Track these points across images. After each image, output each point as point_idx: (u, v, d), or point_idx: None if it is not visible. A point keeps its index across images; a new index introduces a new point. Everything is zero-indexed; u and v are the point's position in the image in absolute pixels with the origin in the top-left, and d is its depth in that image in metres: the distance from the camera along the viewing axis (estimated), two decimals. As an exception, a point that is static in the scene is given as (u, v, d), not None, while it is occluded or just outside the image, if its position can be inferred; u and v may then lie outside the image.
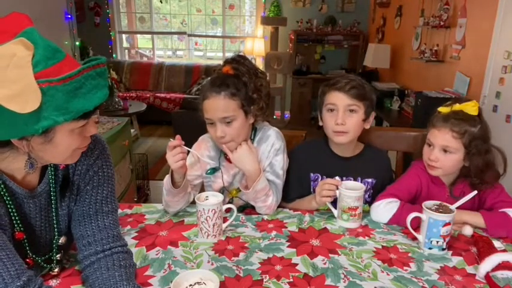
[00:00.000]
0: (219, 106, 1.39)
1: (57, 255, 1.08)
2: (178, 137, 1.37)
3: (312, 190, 1.61)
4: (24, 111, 0.75)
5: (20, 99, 0.75)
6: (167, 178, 1.42)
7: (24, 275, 0.87)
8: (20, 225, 0.97)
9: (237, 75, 1.43)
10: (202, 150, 1.57)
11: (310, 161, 1.62)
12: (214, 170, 1.56)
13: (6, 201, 0.94)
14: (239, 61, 1.46)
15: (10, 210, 0.95)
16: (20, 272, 0.87)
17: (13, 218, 0.96)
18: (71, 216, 1.09)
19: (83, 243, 1.07)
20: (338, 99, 1.50)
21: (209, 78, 1.48)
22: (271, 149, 1.53)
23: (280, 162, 1.54)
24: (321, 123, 1.60)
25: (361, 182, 1.58)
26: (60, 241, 1.08)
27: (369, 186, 1.61)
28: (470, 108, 1.40)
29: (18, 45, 0.77)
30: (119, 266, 1.05)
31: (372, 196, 1.60)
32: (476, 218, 1.37)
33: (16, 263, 0.88)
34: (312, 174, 1.62)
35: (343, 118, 1.50)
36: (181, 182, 1.40)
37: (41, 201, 1.02)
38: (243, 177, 1.50)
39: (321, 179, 1.60)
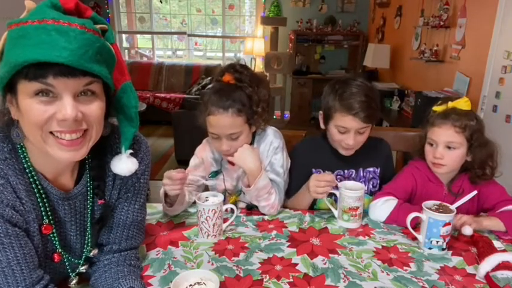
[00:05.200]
0: (226, 123, 1.38)
1: (83, 267, 1.03)
2: (187, 173, 1.36)
3: None
4: None
5: None
6: (162, 195, 1.41)
7: None
8: (50, 217, 0.93)
9: (240, 88, 1.41)
10: (207, 152, 1.57)
11: (311, 157, 1.62)
12: (216, 174, 1.56)
13: (39, 198, 0.90)
14: (242, 72, 1.43)
15: (41, 204, 0.91)
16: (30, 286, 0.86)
17: (43, 211, 0.91)
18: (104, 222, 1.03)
19: (105, 249, 1.06)
20: (351, 124, 1.45)
21: (211, 87, 1.44)
22: (270, 148, 1.53)
23: (280, 160, 1.53)
24: (322, 127, 1.58)
25: (363, 173, 1.61)
26: (91, 253, 1.03)
27: (371, 176, 1.62)
28: (463, 104, 1.45)
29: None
30: (129, 264, 1.06)
31: (379, 186, 1.62)
32: (496, 223, 1.36)
33: (28, 278, 0.86)
34: (314, 170, 1.61)
35: (355, 139, 1.48)
36: (171, 203, 1.40)
37: (76, 203, 0.98)
38: (245, 177, 1.50)
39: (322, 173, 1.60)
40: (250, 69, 1.48)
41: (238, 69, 1.44)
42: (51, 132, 0.81)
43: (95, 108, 0.84)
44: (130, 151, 0.99)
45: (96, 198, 1.00)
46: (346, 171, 1.60)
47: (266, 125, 1.52)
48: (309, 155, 1.63)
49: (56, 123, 0.80)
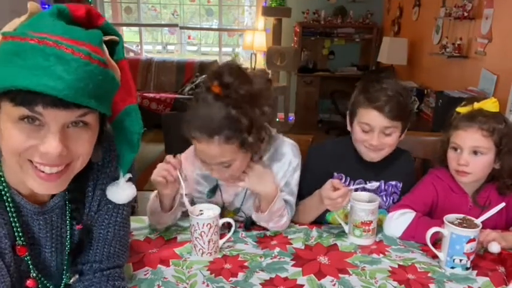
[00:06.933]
0: (213, 153, 1.30)
1: None
2: (179, 161, 1.34)
3: None
4: None
5: None
6: (154, 199, 1.40)
7: None
8: (22, 238, 0.93)
9: (227, 106, 1.26)
10: (192, 167, 1.51)
11: (335, 160, 1.63)
12: (213, 192, 1.52)
13: (11, 216, 0.90)
14: (231, 84, 1.26)
15: (13, 222, 0.91)
16: None
17: (15, 230, 0.92)
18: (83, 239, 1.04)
19: (85, 267, 1.06)
20: (374, 119, 1.47)
21: (196, 97, 1.33)
22: (288, 168, 1.50)
23: (297, 179, 1.53)
24: (349, 128, 1.61)
25: (384, 186, 1.62)
26: (71, 280, 1.04)
27: (393, 190, 1.63)
28: (490, 105, 1.45)
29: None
30: (113, 285, 1.07)
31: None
32: None
33: None
34: (335, 174, 1.62)
35: (379, 139, 1.49)
36: (169, 205, 1.40)
37: (53, 217, 0.98)
38: (251, 197, 1.49)
39: (345, 180, 1.62)
40: (244, 80, 1.30)
41: (225, 81, 1.26)
42: (29, 160, 0.81)
43: (83, 143, 0.84)
44: (130, 175, 1.00)
45: (76, 208, 1.01)
46: (367, 182, 1.59)
47: (268, 147, 1.43)
48: (331, 158, 1.63)
49: (37, 155, 0.80)
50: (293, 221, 1.56)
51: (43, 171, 0.82)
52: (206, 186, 1.53)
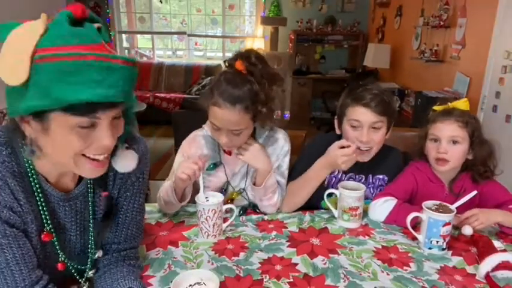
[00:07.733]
0: (231, 119, 1.31)
1: (91, 272, 1.03)
2: (204, 164, 1.36)
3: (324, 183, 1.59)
4: (8, 82, 0.75)
5: (10, 70, 0.74)
6: (169, 191, 1.38)
7: None
8: (50, 225, 0.93)
9: (250, 82, 1.32)
10: (194, 149, 1.50)
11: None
12: (215, 165, 1.51)
13: (39, 202, 0.90)
14: (256, 65, 1.34)
15: (41, 209, 0.90)
16: None
17: (43, 217, 0.91)
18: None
19: (105, 248, 1.06)
20: (363, 115, 1.45)
21: (222, 73, 1.37)
22: (281, 152, 1.53)
23: (287, 163, 1.55)
24: (338, 132, 1.58)
25: (372, 179, 1.61)
26: (96, 255, 1.03)
27: (380, 183, 1.62)
28: (462, 104, 1.50)
29: (38, 20, 0.77)
30: (129, 264, 1.07)
31: None
32: (509, 217, 1.35)
33: (28, 278, 0.86)
34: None
35: (368, 135, 1.46)
36: (180, 193, 1.40)
37: (77, 204, 0.97)
38: (245, 175, 1.50)
39: (337, 173, 1.60)
40: (266, 63, 1.37)
41: (253, 61, 1.34)
42: (83, 154, 0.83)
43: (120, 131, 0.88)
44: (126, 145, 0.98)
45: (97, 194, 1.00)
46: (357, 176, 1.59)
47: (272, 125, 1.48)
48: (324, 150, 1.60)
49: (93, 149, 0.82)
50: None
51: (97, 160, 0.85)
52: (208, 164, 1.52)
